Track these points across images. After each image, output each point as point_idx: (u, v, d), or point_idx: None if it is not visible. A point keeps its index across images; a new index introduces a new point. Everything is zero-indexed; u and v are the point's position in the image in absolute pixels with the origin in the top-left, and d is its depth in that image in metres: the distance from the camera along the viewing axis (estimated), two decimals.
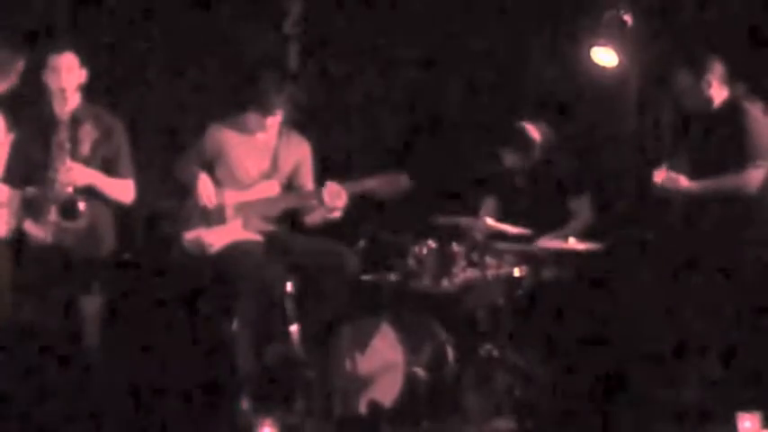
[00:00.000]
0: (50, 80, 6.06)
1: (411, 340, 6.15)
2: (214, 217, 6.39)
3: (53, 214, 5.96)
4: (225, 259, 6.32)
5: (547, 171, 6.65)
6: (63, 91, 6.03)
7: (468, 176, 7.18)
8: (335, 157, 7.26)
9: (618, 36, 6.63)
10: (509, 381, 6.09)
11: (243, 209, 6.39)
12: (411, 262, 6.33)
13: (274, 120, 6.44)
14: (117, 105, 6.47)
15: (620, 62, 6.72)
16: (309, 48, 7.73)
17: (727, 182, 6.02)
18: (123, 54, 7.40)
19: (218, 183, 6.43)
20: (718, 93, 6.15)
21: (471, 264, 6.33)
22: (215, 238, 6.33)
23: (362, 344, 6.21)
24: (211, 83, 7.55)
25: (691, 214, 6.20)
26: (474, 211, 6.69)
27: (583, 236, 6.37)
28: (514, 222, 6.51)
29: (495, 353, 6.16)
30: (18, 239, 6.05)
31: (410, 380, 6.05)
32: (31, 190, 6.01)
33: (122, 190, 6.20)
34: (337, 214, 6.33)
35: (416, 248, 6.33)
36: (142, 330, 6.53)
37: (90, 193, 6.05)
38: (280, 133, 6.50)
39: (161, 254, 6.66)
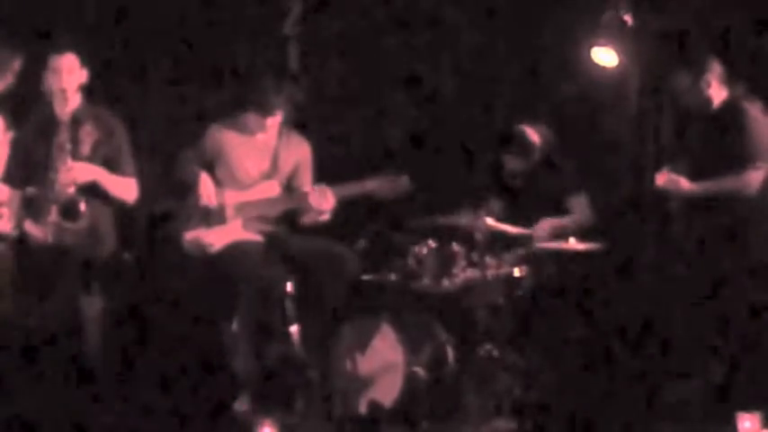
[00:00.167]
0: (51, 81, 6.06)
1: (411, 340, 6.15)
2: (214, 217, 6.39)
3: (54, 215, 5.96)
4: (225, 259, 6.32)
5: (547, 173, 6.65)
6: (64, 92, 6.03)
7: (469, 178, 7.18)
8: (336, 158, 7.26)
9: (618, 36, 6.63)
10: (509, 381, 6.09)
11: (242, 209, 6.39)
12: (411, 262, 6.34)
13: (274, 120, 6.43)
14: (117, 105, 6.47)
15: (620, 62, 6.72)
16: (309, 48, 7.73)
17: (726, 183, 6.02)
18: (123, 54, 7.40)
19: (218, 183, 6.43)
20: (718, 93, 6.16)
21: (471, 264, 6.34)
22: (215, 238, 6.33)
23: (362, 344, 6.21)
24: (211, 83, 7.54)
25: (690, 215, 6.21)
26: (474, 212, 6.68)
27: (582, 235, 6.37)
28: (515, 223, 6.52)
29: (495, 353, 6.17)
30: (18, 239, 6.06)
31: (410, 380, 6.05)
32: (31, 190, 6.02)
33: (126, 188, 6.20)
34: (326, 217, 6.34)
35: (416, 248, 6.34)
36: (142, 330, 6.53)
37: (91, 193, 6.05)
38: (280, 133, 6.50)
39: (161, 254, 6.66)
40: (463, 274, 6.32)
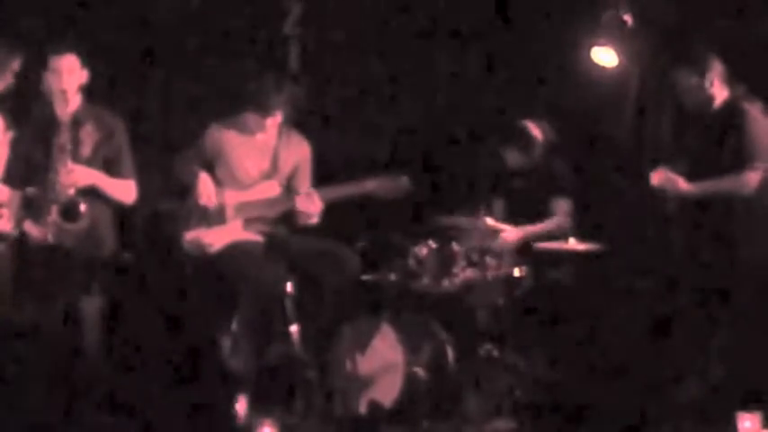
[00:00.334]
0: (51, 81, 6.06)
1: (411, 340, 6.15)
2: (214, 217, 6.39)
3: (54, 215, 5.96)
4: (225, 259, 6.32)
5: (548, 170, 6.65)
6: (64, 92, 6.02)
7: (471, 176, 7.18)
8: (336, 158, 7.26)
9: (618, 36, 6.63)
10: (509, 381, 6.09)
11: (242, 209, 6.39)
12: (411, 262, 6.34)
13: (274, 120, 6.43)
14: (117, 105, 6.47)
15: (620, 62, 6.72)
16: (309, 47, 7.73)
17: (724, 184, 6.02)
18: (124, 55, 7.39)
19: (218, 183, 6.43)
20: (720, 92, 6.15)
21: (471, 264, 6.34)
22: (215, 239, 6.33)
23: (362, 344, 6.21)
24: (211, 83, 7.54)
25: (688, 215, 6.20)
26: (474, 212, 6.68)
27: (557, 238, 6.37)
28: (515, 222, 6.52)
29: (495, 353, 6.17)
30: (18, 239, 6.06)
31: (410, 380, 6.05)
32: (31, 190, 6.02)
33: (124, 190, 6.20)
34: (315, 220, 6.35)
35: (416, 248, 6.34)
36: (142, 331, 6.52)
37: (91, 194, 6.05)
38: (280, 133, 6.50)
39: (161, 254, 6.66)
40: (463, 274, 6.32)
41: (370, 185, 6.30)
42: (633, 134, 7.12)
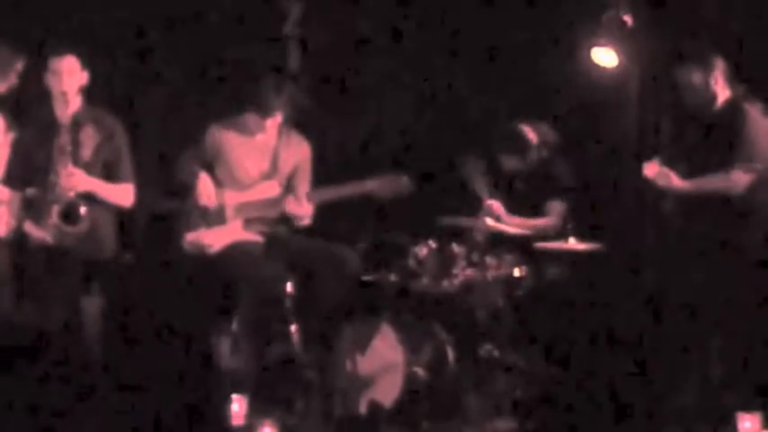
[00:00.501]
0: (52, 83, 6.06)
1: (411, 340, 6.15)
2: (214, 217, 6.39)
3: (54, 217, 5.97)
4: (225, 259, 6.33)
5: (545, 172, 6.66)
6: (64, 94, 6.03)
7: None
8: (336, 158, 7.26)
9: (618, 36, 6.62)
10: (509, 381, 6.09)
11: (242, 209, 6.40)
12: (411, 262, 6.34)
13: (274, 121, 6.43)
14: (117, 106, 6.48)
15: (620, 62, 6.72)
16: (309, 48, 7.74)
17: (714, 182, 6.01)
18: (123, 55, 7.40)
19: (218, 183, 6.43)
20: (722, 91, 6.14)
21: (471, 264, 6.34)
22: (215, 239, 6.34)
23: (363, 344, 6.20)
24: (211, 83, 7.54)
25: (684, 213, 6.20)
26: (474, 212, 6.69)
27: (556, 237, 6.37)
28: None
29: (495, 353, 6.17)
30: (18, 240, 6.06)
31: (410, 380, 6.05)
32: (31, 191, 6.02)
33: (122, 195, 6.21)
34: (306, 222, 6.36)
35: (416, 249, 6.34)
36: (142, 331, 6.52)
37: (90, 197, 6.05)
38: (280, 134, 6.51)
39: (161, 254, 6.67)
40: (463, 274, 6.32)
41: (370, 185, 6.31)
42: (633, 134, 7.12)
